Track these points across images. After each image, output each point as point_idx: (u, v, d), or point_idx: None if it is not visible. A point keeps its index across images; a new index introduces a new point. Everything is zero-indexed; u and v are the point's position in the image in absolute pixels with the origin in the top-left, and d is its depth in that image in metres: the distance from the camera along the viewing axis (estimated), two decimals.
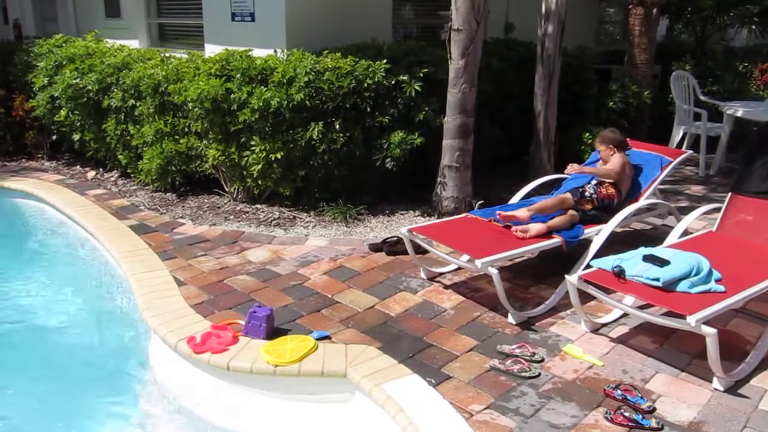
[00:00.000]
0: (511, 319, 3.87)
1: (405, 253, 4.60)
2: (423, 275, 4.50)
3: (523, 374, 3.32)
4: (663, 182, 5.22)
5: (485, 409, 3.05)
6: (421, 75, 5.63)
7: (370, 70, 5.53)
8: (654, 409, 3.05)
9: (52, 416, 3.56)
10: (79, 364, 4.02)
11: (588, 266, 3.84)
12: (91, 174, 7.29)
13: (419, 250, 4.50)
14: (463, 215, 4.70)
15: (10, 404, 3.64)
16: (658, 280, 3.37)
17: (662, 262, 3.47)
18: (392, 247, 4.88)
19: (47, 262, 5.56)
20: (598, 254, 4.01)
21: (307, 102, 5.39)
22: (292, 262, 4.76)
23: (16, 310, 4.67)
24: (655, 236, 5.02)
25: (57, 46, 7.75)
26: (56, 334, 4.39)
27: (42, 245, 5.96)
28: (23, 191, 6.70)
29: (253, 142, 5.60)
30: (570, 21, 6.37)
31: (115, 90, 6.58)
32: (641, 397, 3.10)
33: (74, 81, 6.81)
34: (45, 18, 10.44)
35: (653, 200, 4.84)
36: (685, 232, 4.30)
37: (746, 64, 9.42)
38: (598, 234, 4.28)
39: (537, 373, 3.33)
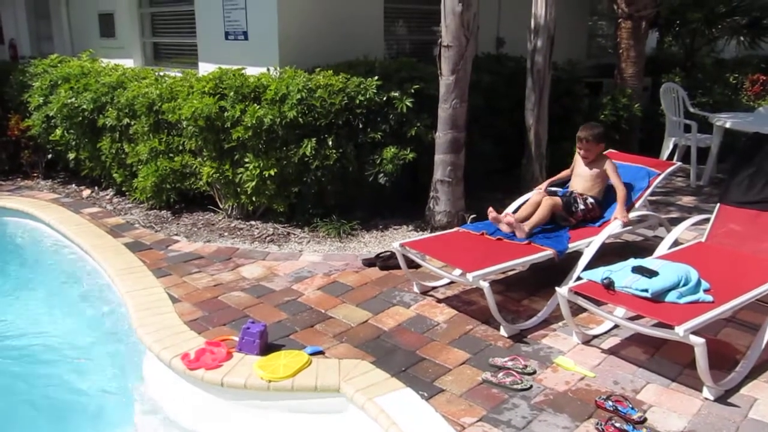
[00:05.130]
0: (503, 331, 3.90)
1: (398, 267, 4.63)
2: (416, 289, 4.53)
3: (515, 386, 3.34)
4: (654, 193, 5.28)
5: (477, 421, 3.08)
6: (413, 91, 5.69)
7: (361, 86, 5.59)
8: (645, 420, 3.07)
9: None
10: (71, 381, 4.02)
11: (578, 278, 3.88)
12: (86, 192, 7.32)
13: (412, 265, 4.54)
14: (455, 229, 4.75)
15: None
16: (646, 291, 3.40)
17: (651, 273, 3.51)
18: (385, 261, 4.92)
19: (42, 280, 5.57)
20: (589, 266, 4.04)
21: (300, 119, 5.44)
22: (286, 278, 4.79)
23: (9, 329, 4.68)
24: (646, 247, 5.06)
25: (52, 66, 7.82)
26: (49, 352, 4.39)
27: (37, 264, 5.97)
28: (19, 210, 6.73)
29: (246, 160, 5.64)
30: (560, 35, 6.45)
31: (110, 109, 6.64)
32: (632, 408, 3.13)
33: (69, 100, 6.86)
34: (40, 37, 10.52)
35: (643, 212, 4.89)
36: (675, 243, 4.34)
37: (736, 75, 9.53)
38: (589, 246, 4.32)
39: (529, 386, 3.36)
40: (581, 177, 4.88)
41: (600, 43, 11.34)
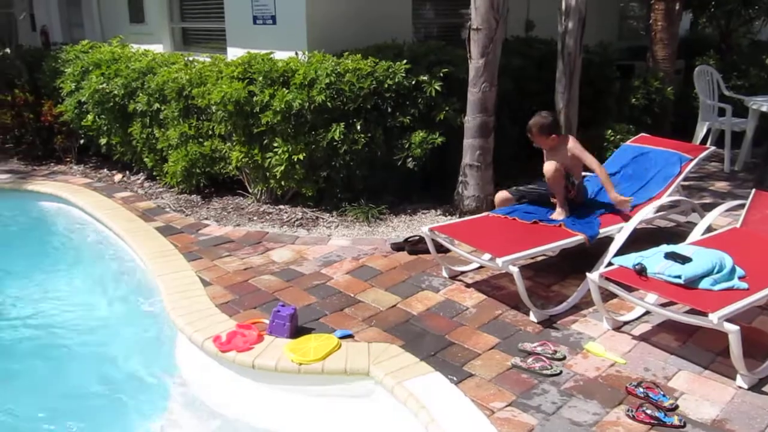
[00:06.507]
0: (532, 317, 3.89)
1: (427, 252, 4.63)
2: (445, 274, 4.53)
3: (544, 372, 3.33)
4: (686, 178, 5.19)
5: (507, 406, 3.08)
6: (442, 75, 5.66)
7: (390, 70, 5.57)
8: (676, 407, 3.05)
9: (76, 413, 3.63)
10: (104, 362, 4.10)
11: (610, 264, 3.84)
12: (117, 177, 7.42)
13: (441, 249, 4.53)
14: (485, 214, 4.73)
15: (32, 396, 3.75)
16: (679, 277, 3.36)
17: (684, 260, 3.46)
18: (414, 246, 4.92)
19: (76, 263, 5.69)
20: (620, 252, 4.00)
21: (329, 103, 5.44)
22: (315, 261, 4.82)
23: (44, 310, 4.78)
24: (679, 233, 4.98)
25: (83, 52, 7.91)
26: (82, 332, 4.48)
27: (71, 247, 6.08)
28: (52, 194, 6.85)
29: (275, 144, 5.67)
30: (591, 17, 6.34)
31: (141, 94, 6.70)
32: (663, 395, 3.10)
33: (101, 86, 6.94)
34: (71, 24, 10.66)
35: (676, 197, 4.82)
36: (709, 229, 4.27)
37: None
38: (620, 231, 4.27)
39: (559, 371, 3.35)
40: (555, 158, 4.66)
41: (631, 25, 11.13)
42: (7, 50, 8.80)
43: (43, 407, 3.72)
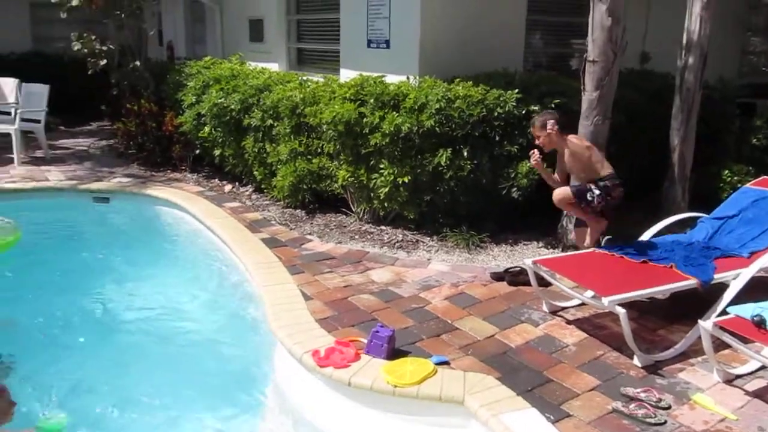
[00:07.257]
0: (636, 361, 3.74)
1: (527, 284, 4.57)
2: (545, 308, 4.44)
3: (647, 420, 3.20)
4: None
5: None
6: (553, 106, 5.59)
7: (501, 99, 5.56)
8: None
9: (175, 418, 3.78)
10: (205, 367, 4.27)
11: (724, 312, 3.66)
12: (228, 187, 7.76)
13: (542, 283, 4.45)
14: (590, 250, 4.61)
15: (134, 402, 3.90)
16: None
17: None
18: (514, 277, 4.86)
19: (186, 266, 5.98)
20: (735, 300, 3.81)
21: (437, 129, 5.49)
22: (414, 284, 4.85)
23: (156, 308, 5.06)
24: None
25: (205, 68, 8.35)
26: (189, 332, 4.70)
27: (183, 250, 6.41)
28: (168, 200, 7.25)
29: (382, 165, 5.77)
30: (711, 51, 6.10)
31: (255, 110, 7.00)
32: None
33: (219, 100, 7.30)
34: (195, 40, 11.29)
35: None
36: None
37: None
38: (737, 278, 4.06)
39: (663, 421, 3.20)
40: (568, 165, 4.84)
41: (752, 60, 10.61)
42: (137, 63, 9.40)
43: (145, 394, 3.92)
